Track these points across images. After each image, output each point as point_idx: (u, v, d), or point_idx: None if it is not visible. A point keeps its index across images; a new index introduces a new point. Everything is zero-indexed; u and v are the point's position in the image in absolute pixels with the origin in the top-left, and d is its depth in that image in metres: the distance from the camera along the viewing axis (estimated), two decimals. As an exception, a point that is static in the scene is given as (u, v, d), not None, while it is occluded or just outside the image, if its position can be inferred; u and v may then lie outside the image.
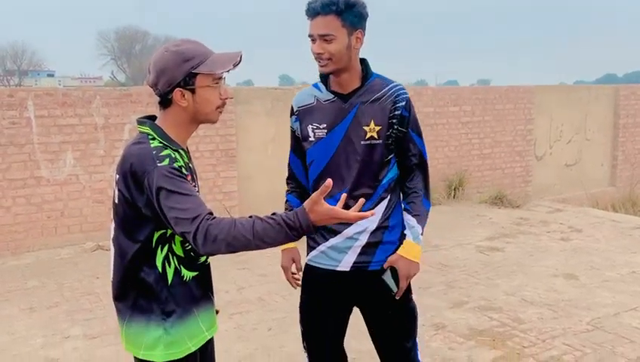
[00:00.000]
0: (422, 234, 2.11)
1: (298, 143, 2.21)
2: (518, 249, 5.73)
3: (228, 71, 1.62)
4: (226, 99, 1.69)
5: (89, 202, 5.99)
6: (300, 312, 2.26)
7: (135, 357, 1.71)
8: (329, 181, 1.52)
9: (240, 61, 1.64)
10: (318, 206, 1.49)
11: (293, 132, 2.23)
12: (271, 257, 5.51)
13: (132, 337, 1.68)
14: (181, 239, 1.63)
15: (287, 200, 2.30)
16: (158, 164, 1.52)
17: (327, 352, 2.24)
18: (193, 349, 1.69)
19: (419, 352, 2.22)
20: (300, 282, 2.26)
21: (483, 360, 3.36)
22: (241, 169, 6.77)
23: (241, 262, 5.35)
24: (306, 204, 1.52)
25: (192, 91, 1.60)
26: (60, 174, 5.84)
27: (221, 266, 5.13)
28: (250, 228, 1.46)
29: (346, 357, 2.32)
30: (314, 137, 2.11)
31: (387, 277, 2.06)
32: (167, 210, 1.50)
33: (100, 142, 5.98)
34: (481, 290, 4.52)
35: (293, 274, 2.27)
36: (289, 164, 2.30)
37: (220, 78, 1.65)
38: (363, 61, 2.10)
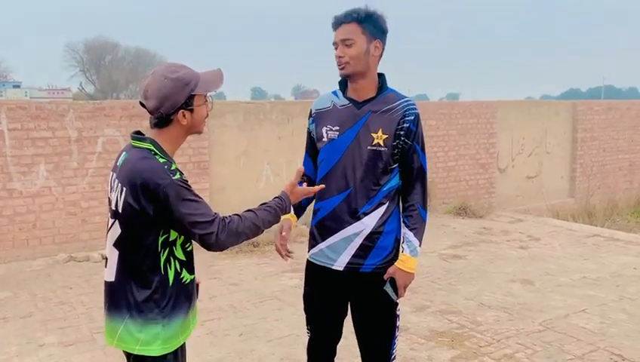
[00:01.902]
0: (419, 245, 2.33)
1: (312, 143, 2.43)
2: (479, 256, 6.02)
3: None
4: (209, 111, 1.94)
5: (62, 214, 6.05)
6: (304, 302, 2.49)
7: (128, 354, 1.86)
8: (301, 167, 2.17)
9: (223, 80, 1.92)
10: (296, 188, 2.06)
11: (309, 133, 2.45)
12: (241, 267, 5.68)
13: (128, 335, 1.83)
14: (182, 243, 1.85)
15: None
16: (173, 178, 1.75)
17: (327, 334, 2.47)
18: (182, 342, 1.90)
19: (394, 350, 2.43)
20: (287, 253, 2.38)
21: (442, 359, 3.58)
22: (214, 181, 6.93)
23: (212, 272, 5.49)
24: (286, 188, 2.04)
25: (192, 111, 1.85)
26: (32, 186, 5.90)
27: (193, 276, 5.26)
28: (256, 218, 1.88)
29: (341, 335, 2.51)
30: (327, 138, 2.33)
31: (388, 288, 2.31)
32: (185, 216, 1.74)
33: (73, 155, 6.06)
34: (443, 295, 4.77)
35: (282, 244, 2.37)
36: (303, 164, 2.49)
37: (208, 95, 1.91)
38: (381, 75, 2.33)
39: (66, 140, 6.03)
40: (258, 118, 7.26)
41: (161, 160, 1.79)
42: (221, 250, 1.90)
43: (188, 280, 1.88)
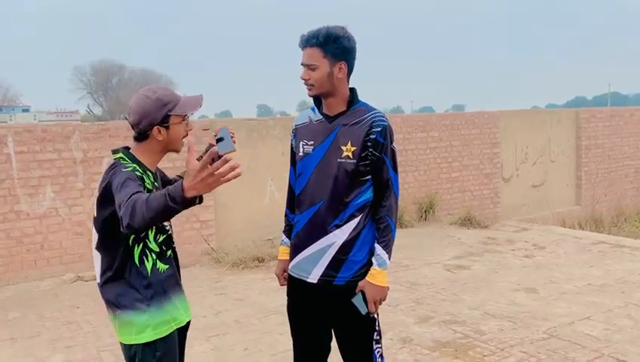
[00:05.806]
0: (389, 258, 2.35)
1: (293, 158, 2.51)
2: (483, 266, 6.01)
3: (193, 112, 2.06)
4: (189, 130, 2.09)
5: (69, 234, 6.12)
6: (287, 312, 2.54)
7: (126, 345, 2.02)
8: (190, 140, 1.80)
9: (202, 104, 2.06)
10: (190, 166, 1.68)
11: (291, 147, 2.53)
12: (247, 283, 5.71)
13: (124, 327, 2.01)
14: (154, 235, 2.00)
15: (285, 214, 2.60)
16: (122, 170, 1.91)
17: (310, 345, 2.49)
18: (175, 328, 2.05)
19: (378, 359, 2.43)
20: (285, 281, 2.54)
21: (446, 370, 3.59)
22: (218, 198, 6.98)
23: (218, 288, 5.53)
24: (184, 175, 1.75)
25: (167, 128, 2.01)
26: (39, 208, 5.98)
27: (199, 292, 5.31)
28: (150, 201, 1.70)
29: (329, 350, 2.52)
30: (302, 152, 2.41)
31: (356, 301, 2.32)
32: (117, 198, 1.83)
33: (78, 176, 6.15)
34: (447, 306, 4.77)
35: (283, 284, 2.57)
36: (289, 179, 2.58)
37: (186, 116, 2.06)
38: (352, 90, 2.39)
39: (71, 161, 6.12)
40: (261, 135, 7.34)
41: (128, 165, 1.95)
42: (135, 232, 1.82)
43: (163, 270, 2.03)
